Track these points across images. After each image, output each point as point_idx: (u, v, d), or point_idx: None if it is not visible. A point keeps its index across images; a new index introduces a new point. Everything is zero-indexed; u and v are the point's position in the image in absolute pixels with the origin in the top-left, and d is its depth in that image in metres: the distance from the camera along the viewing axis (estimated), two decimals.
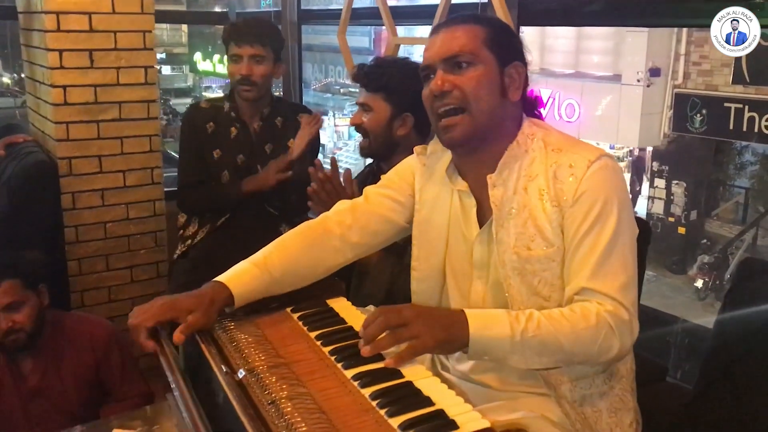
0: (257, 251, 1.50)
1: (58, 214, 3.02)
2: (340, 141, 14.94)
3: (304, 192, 2.08)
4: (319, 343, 1.29)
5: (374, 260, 1.95)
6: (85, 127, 3.02)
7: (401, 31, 3.09)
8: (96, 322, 2.46)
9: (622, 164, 11.20)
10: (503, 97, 1.37)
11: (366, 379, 1.14)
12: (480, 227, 1.43)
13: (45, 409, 2.28)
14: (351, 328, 1.34)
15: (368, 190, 1.60)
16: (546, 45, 11.51)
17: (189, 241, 2.74)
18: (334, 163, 2.16)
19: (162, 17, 3.87)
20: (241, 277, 1.42)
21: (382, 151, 2.10)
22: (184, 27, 15.94)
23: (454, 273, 1.49)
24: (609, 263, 1.28)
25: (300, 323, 1.38)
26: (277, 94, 3.29)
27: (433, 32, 1.43)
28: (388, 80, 2.03)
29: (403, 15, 3.32)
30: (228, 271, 1.43)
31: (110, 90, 3.03)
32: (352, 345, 1.24)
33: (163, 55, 16.79)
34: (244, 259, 1.48)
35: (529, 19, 2.60)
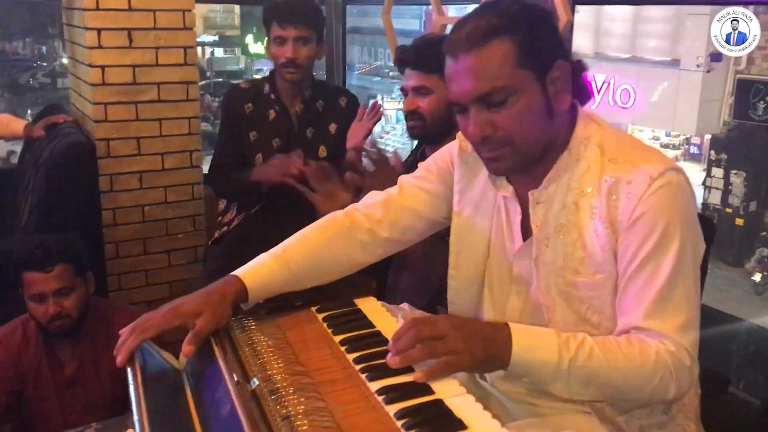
0: None
1: (95, 197, 2.98)
2: (387, 125, 14.84)
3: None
4: (343, 348, 1.17)
5: (419, 253, 1.82)
6: (123, 108, 2.96)
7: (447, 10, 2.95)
8: (133, 316, 2.40)
9: (677, 152, 10.82)
10: (550, 115, 1.18)
11: (392, 394, 1.02)
12: (524, 239, 1.28)
13: (79, 399, 2.24)
14: (379, 333, 1.22)
15: (403, 180, 1.46)
16: (601, 28, 11.16)
17: (225, 228, 2.68)
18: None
19: None
20: (257, 270, 1.31)
21: (436, 135, 1.95)
22: (237, 9, 16.00)
23: (491, 284, 1.35)
24: (669, 300, 1.12)
25: (325, 325, 1.27)
26: (320, 78, 3.20)
27: (452, 54, 1.17)
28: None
29: None
30: (246, 264, 1.33)
31: (149, 70, 2.96)
32: (379, 353, 1.12)
33: (216, 38, 16.91)
34: (278, 245, 1.37)
35: None
